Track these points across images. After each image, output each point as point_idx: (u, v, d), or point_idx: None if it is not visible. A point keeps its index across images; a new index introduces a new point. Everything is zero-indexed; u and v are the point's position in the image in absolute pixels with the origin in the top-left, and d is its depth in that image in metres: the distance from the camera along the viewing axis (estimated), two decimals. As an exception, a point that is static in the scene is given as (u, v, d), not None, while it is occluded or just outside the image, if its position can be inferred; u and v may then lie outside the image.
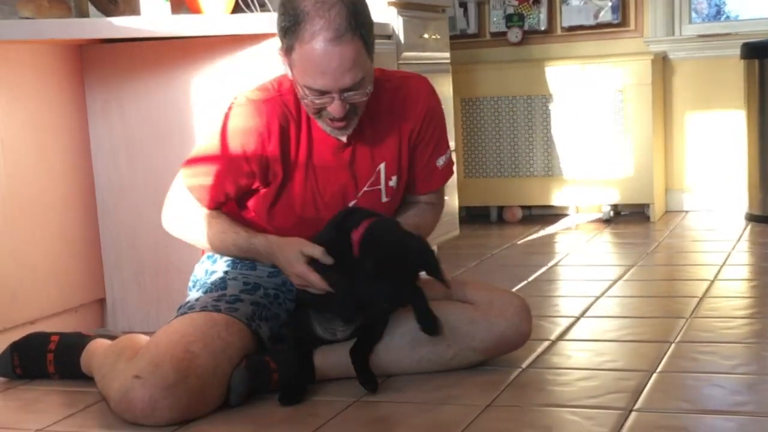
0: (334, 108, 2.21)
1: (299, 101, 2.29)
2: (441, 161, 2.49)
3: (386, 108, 2.37)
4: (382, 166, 2.40)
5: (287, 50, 2.21)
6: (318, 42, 2.14)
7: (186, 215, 2.40)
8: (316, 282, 2.20)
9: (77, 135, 3.02)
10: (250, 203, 2.39)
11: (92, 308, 3.10)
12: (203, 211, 2.37)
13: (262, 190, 2.35)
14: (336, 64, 2.15)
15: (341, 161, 2.36)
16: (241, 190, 2.35)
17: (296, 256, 2.23)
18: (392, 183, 2.42)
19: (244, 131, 2.29)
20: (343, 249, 2.20)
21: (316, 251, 2.21)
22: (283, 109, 2.30)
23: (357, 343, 2.31)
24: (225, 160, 2.31)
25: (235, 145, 2.29)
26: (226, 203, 2.38)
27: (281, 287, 2.43)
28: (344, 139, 2.33)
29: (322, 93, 2.19)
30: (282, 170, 2.32)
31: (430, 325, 2.23)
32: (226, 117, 2.32)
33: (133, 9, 2.88)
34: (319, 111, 2.24)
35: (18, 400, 2.39)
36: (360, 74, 2.18)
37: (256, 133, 2.28)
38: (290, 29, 2.17)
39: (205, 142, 2.37)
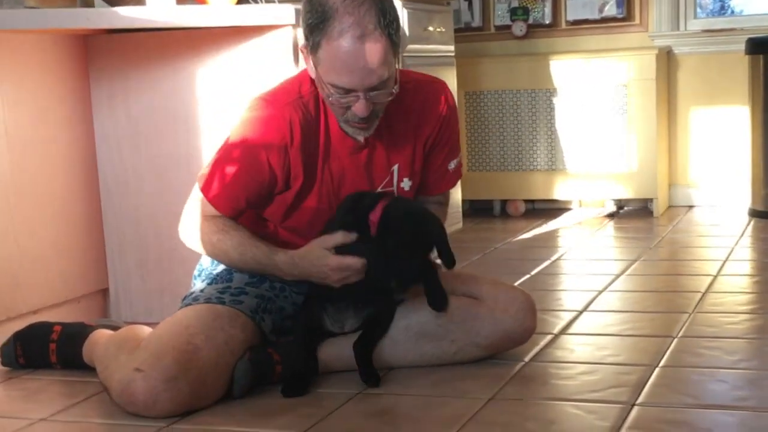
0: (359, 107, 2.17)
1: (318, 102, 2.26)
2: (452, 165, 2.48)
3: (404, 110, 2.34)
4: (395, 168, 2.37)
5: (313, 47, 2.16)
6: (346, 39, 2.10)
7: (204, 227, 2.32)
8: (353, 263, 2.19)
9: (82, 125, 3.02)
10: (271, 205, 2.36)
11: (95, 298, 3.11)
12: (221, 222, 2.30)
13: (286, 192, 2.31)
14: (364, 63, 2.11)
15: (357, 162, 2.33)
16: (262, 198, 2.31)
17: (322, 255, 2.22)
18: (404, 185, 2.40)
19: (266, 138, 2.24)
20: (360, 231, 2.21)
21: (338, 237, 2.21)
22: (305, 112, 2.25)
23: (361, 337, 2.31)
24: (245, 169, 2.26)
25: (257, 153, 2.24)
26: (245, 211, 2.33)
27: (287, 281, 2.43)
28: (362, 140, 2.30)
29: (348, 91, 2.16)
30: (303, 174, 2.28)
31: (440, 302, 2.27)
32: (246, 123, 2.28)
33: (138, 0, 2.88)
34: (344, 110, 2.21)
35: (21, 390, 2.40)
36: (386, 73, 2.15)
37: (279, 140, 2.23)
38: (317, 26, 2.13)
39: (225, 149, 2.30)
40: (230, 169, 2.28)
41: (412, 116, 2.36)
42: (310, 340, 2.31)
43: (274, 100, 2.27)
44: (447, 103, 2.41)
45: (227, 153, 2.29)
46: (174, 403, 2.09)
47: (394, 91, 2.21)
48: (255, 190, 2.28)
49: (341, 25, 2.10)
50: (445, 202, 2.57)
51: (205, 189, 2.30)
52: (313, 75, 2.23)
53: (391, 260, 2.18)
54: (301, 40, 2.23)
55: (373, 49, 2.11)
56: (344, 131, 2.28)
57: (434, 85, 2.42)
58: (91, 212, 3.06)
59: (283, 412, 2.13)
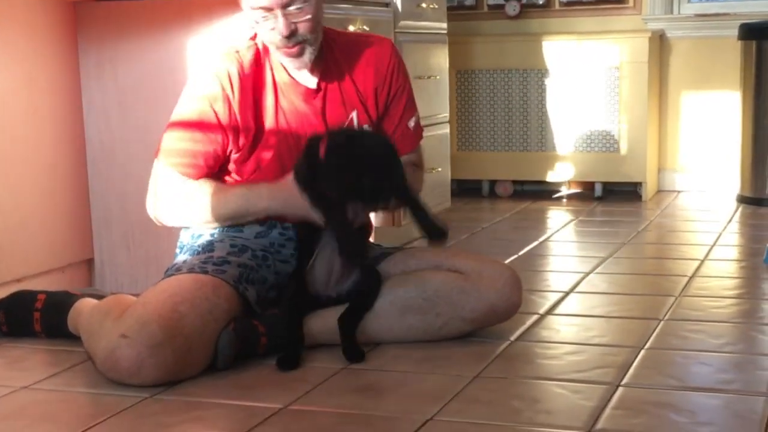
0: (279, 25, 2.30)
1: (262, 54, 2.41)
2: (412, 122, 2.58)
3: (354, 58, 2.48)
4: (354, 114, 2.46)
5: None
6: None
7: (174, 197, 2.40)
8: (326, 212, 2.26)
9: (69, 93, 3.00)
10: (231, 164, 2.43)
11: (80, 268, 3.09)
12: (188, 186, 2.39)
13: (241, 144, 2.39)
14: None
15: (314, 109, 2.43)
16: (219, 156, 2.39)
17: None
18: (366, 129, 2.47)
19: (207, 91, 2.37)
20: (314, 165, 2.22)
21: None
22: (242, 62, 2.38)
23: (346, 311, 2.31)
24: (199, 128, 2.36)
25: (203, 109, 2.36)
26: (207, 173, 2.40)
27: (269, 248, 2.43)
28: (314, 84, 2.40)
29: (266, 11, 2.30)
30: (254, 124, 2.38)
31: (435, 232, 2.26)
32: (187, 86, 2.43)
33: (129, -33, 2.85)
34: (270, 38, 2.34)
35: (4, 358, 2.38)
36: None
37: (219, 90, 2.36)
38: None
39: (175, 116, 2.42)
40: (182, 133, 2.38)
41: (361, 64, 2.49)
42: (297, 312, 2.30)
43: (208, 58, 2.44)
44: (395, 54, 2.55)
45: (177, 118, 2.41)
46: (159, 370, 2.08)
47: (311, 12, 2.33)
48: (211, 146, 2.38)
49: None
50: (419, 164, 2.64)
51: (164, 157, 2.40)
52: (244, 13, 2.38)
53: (338, 177, 2.18)
54: None
55: None
56: (287, 70, 2.40)
57: (381, 39, 2.61)
58: (78, 181, 3.04)
59: (268, 385, 2.12)
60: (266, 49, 2.42)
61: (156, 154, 2.42)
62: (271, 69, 2.42)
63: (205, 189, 2.38)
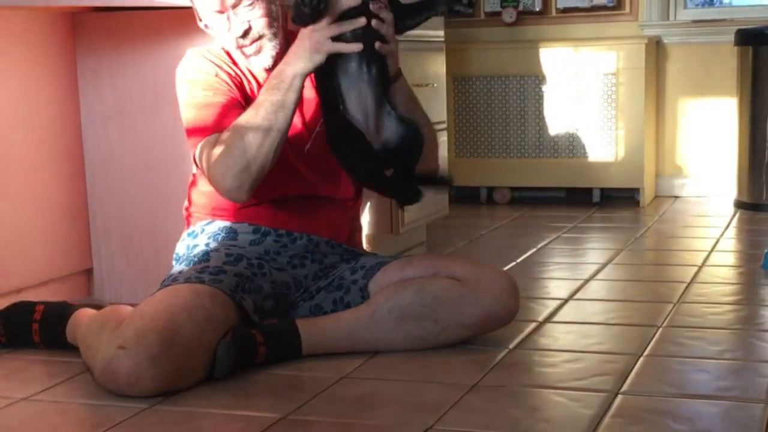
0: (233, 25, 2.37)
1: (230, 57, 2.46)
2: None
3: None
4: None
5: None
6: None
7: (220, 153, 2.31)
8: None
9: (67, 103, 3.00)
10: None
11: (79, 278, 3.09)
12: (220, 136, 2.33)
13: None
14: None
15: None
16: (240, 107, 2.41)
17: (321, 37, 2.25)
18: None
19: (206, 67, 2.43)
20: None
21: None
22: (217, 62, 2.45)
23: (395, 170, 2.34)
24: (214, 95, 2.39)
25: (209, 79, 2.41)
26: None
27: (264, 256, 2.43)
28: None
29: (219, 14, 2.37)
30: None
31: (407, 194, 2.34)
32: (185, 74, 2.46)
33: (126, -23, 2.85)
34: (229, 41, 2.39)
35: (2, 369, 2.38)
36: None
37: (211, 66, 2.43)
38: None
39: (186, 102, 2.44)
40: (204, 110, 2.39)
41: None
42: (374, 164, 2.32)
43: (189, 54, 2.50)
44: None
45: (190, 103, 2.42)
46: (157, 380, 2.08)
47: (261, 10, 2.37)
48: (235, 106, 2.38)
49: None
50: (426, 122, 2.54)
51: (199, 134, 2.37)
52: (201, 24, 2.45)
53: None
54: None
55: None
56: (256, 69, 2.44)
57: None
58: (76, 191, 3.04)
59: (267, 395, 2.12)
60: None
61: (191, 144, 2.40)
62: (248, 70, 2.46)
63: (237, 124, 2.31)
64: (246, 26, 2.38)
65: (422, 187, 2.36)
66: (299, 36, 2.29)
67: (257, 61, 2.43)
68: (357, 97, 2.27)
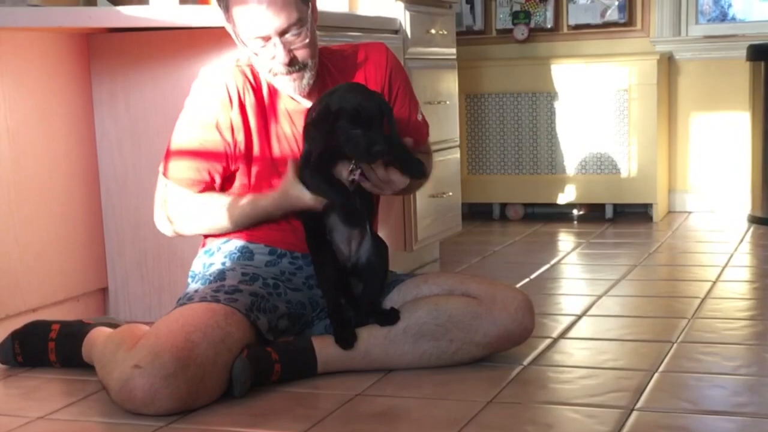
0: (279, 52, 2.33)
1: (258, 77, 2.44)
2: (419, 115, 2.62)
3: (350, 69, 2.51)
4: None
5: (226, 11, 2.37)
6: None
7: (179, 208, 2.46)
8: (324, 189, 2.30)
9: (82, 123, 3.02)
10: (234, 185, 2.48)
11: (94, 297, 3.11)
12: (195, 200, 2.44)
13: (240, 164, 2.44)
14: (266, 4, 2.30)
15: None
16: (222, 167, 2.43)
17: (300, 194, 2.32)
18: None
19: (209, 102, 2.41)
20: (327, 132, 2.27)
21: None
22: (243, 77, 2.42)
23: (365, 286, 2.40)
24: (200, 137, 2.41)
25: (205, 118, 2.40)
26: (212, 185, 2.44)
27: (280, 277, 2.44)
28: (310, 103, 2.40)
29: (264, 40, 2.33)
30: (252, 136, 2.42)
31: (416, 167, 2.36)
32: (189, 99, 2.47)
33: (141, -1, 2.88)
34: (271, 67, 2.36)
35: (19, 388, 2.39)
36: (294, 14, 2.32)
37: (221, 100, 2.40)
38: None
39: (177, 128, 2.47)
40: (186, 143, 2.43)
41: (359, 72, 2.51)
42: (337, 292, 2.37)
43: (209, 70, 2.48)
44: (390, 54, 2.58)
45: (180, 131, 2.45)
46: (172, 400, 2.09)
47: (308, 37, 2.35)
48: (214, 157, 2.41)
49: None
50: (429, 152, 2.71)
51: (170, 171, 2.44)
52: (237, 41, 2.40)
53: (345, 134, 2.25)
54: (222, 19, 2.42)
55: None
56: (286, 93, 2.43)
57: (374, 45, 2.64)
58: (91, 211, 3.06)
59: (282, 413, 2.13)
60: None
61: (163, 160, 2.46)
62: (272, 96, 2.44)
63: (210, 207, 2.43)
64: (291, 55, 2.35)
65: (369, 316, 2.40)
66: (289, 181, 2.33)
67: (289, 86, 2.40)
68: (344, 234, 2.38)
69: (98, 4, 2.95)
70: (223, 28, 2.80)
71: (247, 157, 2.43)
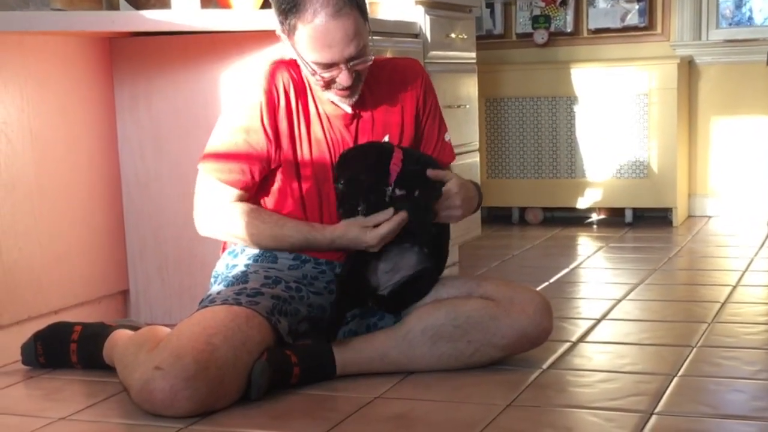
0: (343, 77, 2.32)
1: (303, 76, 2.42)
2: (447, 137, 2.63)
3: (386, 82, 2.50)
4: (386, 138, 2.47)
5: (290, 30, 2.33)
6: (320, 18, 2.27)
7: (223, 213, 2.42)
8: (391, 230, 2.31)
9: (105, 127, 3.04)
10: (270, 188, 2.46)
11: (116, 299, 3.13)
12: (240, 207, 2.40)
13: (280, 167, 2.43)
14: (340, 36, 2.28)
15: (349, 133, 2.45)
16: (265, 168, 2.41)
17: (360, 233, 2.32)
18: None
19: (252, 104, 2.39)
20: (381, 182, 2.33)
21: (377, 218, 2.32)
22: (285, 77, 2.40)
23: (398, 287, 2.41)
24: (244, 138, 2.39)
25: (248, 120, 2.39)
26: (253, 185, 2.42)
27: (302, 280, 2.44)
28: (350, 109, 2.42)
29: (330, 66, 2.31)
30: (293, 138, 2.41)
31: (421, 213, 2.36)
32: (233, 97, 2.46)
33: (163, 3, 2.89)
34: (329, 84, 2.35)
35: (41, 389, 2.41)
36: (362, 42, 2.32)
37: (263, 101, 2.38)
38: (291, 10, 2.31)
39: (220, 126, 2.45)
40: (230, 142, 2.40)
41: (394, 88, 2.51)
42: (343, 304, 2.38)
43: (255, 68, 2.45)
44: (423, 74, 2.58)
45: (223, 129, 2.43)
46: (192, 402, 2.10)
47: (370, 57, 2.36)
48: (257, 158, 2.39)
49: (313, 6, 2.28)
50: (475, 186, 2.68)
51: (213, 170, 2.42)
52: (294, 55, 2.38)
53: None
54: (277, 26, 2.39)
55: (347, 23, 2.29)
56: (331, 100, 2.42)
57: (409, 61, 2.63)
58: (113, 214, 3.08)
59: (301, 416, 2.14)
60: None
61: (202, 162, 2.44)
62: (314, 99, 2.43)
63: (257, 224, 2.40)
64: (354, 76, 2.34)
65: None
66: (352, 234, 2.33)
67: (336, 98, 2.40)
68: (394, 255, 2.41)
69: (120, 8, 2.97)
70: (244, 32, 2.82)
71: (285, 158, 2.42)
